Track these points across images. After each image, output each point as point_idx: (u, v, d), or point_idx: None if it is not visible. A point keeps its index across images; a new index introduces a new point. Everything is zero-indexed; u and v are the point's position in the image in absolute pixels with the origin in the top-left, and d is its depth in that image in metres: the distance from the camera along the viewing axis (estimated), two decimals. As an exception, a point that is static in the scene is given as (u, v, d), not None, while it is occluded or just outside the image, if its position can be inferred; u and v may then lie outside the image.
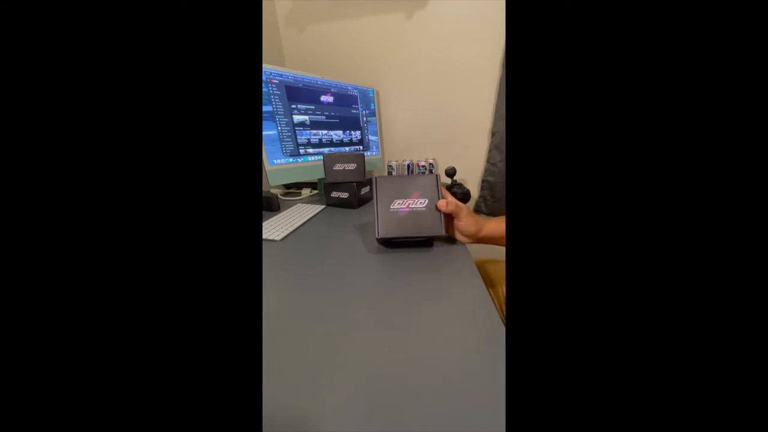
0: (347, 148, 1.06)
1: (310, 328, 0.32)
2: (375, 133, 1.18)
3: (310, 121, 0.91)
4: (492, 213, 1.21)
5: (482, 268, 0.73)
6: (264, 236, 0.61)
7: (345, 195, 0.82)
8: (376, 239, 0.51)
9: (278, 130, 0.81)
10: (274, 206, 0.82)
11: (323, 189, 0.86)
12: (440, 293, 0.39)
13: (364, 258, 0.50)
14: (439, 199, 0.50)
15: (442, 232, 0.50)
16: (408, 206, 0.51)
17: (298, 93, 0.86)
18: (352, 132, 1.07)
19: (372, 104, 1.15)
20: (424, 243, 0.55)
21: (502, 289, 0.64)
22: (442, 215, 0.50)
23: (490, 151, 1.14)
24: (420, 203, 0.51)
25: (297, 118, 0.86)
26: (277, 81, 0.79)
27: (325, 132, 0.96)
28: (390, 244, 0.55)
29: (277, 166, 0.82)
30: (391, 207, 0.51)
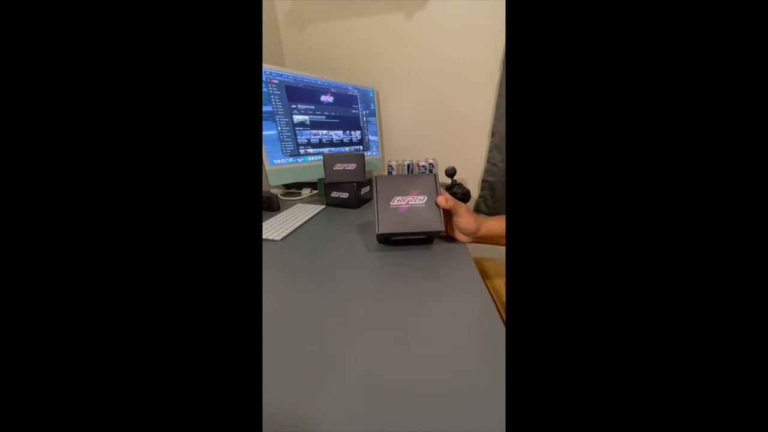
0: (347, 148, 1.06)
1: (310, 328, 0.32)
2: (375, 133, 1.18)
3: (310, 121, 0.91)
4: (492, 213, 1.21)
5: (479, 263, 0.73)
6: (264, 236, 0.61)
7: (345, 195, 0.82)
8: (376, 235, 0.51)
9: (278, 130, 0.81)
10: (274, 206, 0.82)
11: (323, 189, 0.86)
12: (440, 293, 0.39)
13: (364, 258, 0.50)
14: (437, 196, 0.51)
15: (442, 228, 0.50)
16: (407, 203, 0.51)
17: (298, 93, 0.86)
18: (352, 132, 1.07)
19: (372, 104, 1.14)
20: (423, 241, 0.55)
21: (498, 282, 0.64)
22: (441, 212, 0.50)
23: (490, 151, 1.14)
24: (419, 200, 0.51)
25: (297, 118, 0.86)
26: (277, 81, 0.79)
27: (325, 132, 0.96)
28: (390, 241, 0.55)
29: (277, 166, 0.82)
30: (391, 204, 0.51)
